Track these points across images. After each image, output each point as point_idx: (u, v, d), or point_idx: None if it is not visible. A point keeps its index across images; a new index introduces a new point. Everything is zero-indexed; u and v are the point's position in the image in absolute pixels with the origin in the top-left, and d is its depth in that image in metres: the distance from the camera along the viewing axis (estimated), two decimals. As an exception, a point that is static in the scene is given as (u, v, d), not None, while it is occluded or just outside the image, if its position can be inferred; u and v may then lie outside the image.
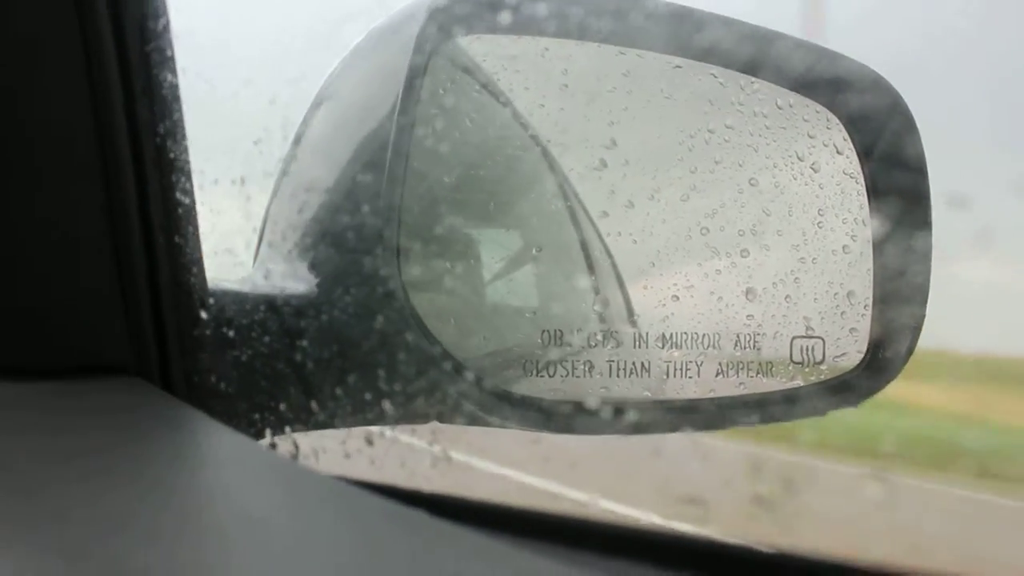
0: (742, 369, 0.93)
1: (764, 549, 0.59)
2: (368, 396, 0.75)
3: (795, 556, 0.60)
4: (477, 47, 0.91)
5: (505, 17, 0.85)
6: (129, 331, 0.75)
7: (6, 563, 0.41)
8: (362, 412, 0.76)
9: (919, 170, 0.96)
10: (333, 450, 0.76)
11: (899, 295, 0.96)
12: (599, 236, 1.07)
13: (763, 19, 0.92)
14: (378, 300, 0.75)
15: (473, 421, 0.83)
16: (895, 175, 0.95)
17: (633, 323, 1.01)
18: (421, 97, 0.79)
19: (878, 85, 0.96)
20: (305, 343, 0.76)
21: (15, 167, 0.71)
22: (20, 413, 0.67)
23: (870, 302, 0.96)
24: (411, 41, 0.79)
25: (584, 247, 1.11)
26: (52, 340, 0.74)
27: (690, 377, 0.91)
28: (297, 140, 0.84)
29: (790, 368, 0.94)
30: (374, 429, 0.75)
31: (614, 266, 1.09)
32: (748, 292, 0.93)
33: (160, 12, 0.74)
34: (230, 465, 0.62)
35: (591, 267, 1.10)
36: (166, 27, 0.74)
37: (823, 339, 0.95)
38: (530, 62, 0.92)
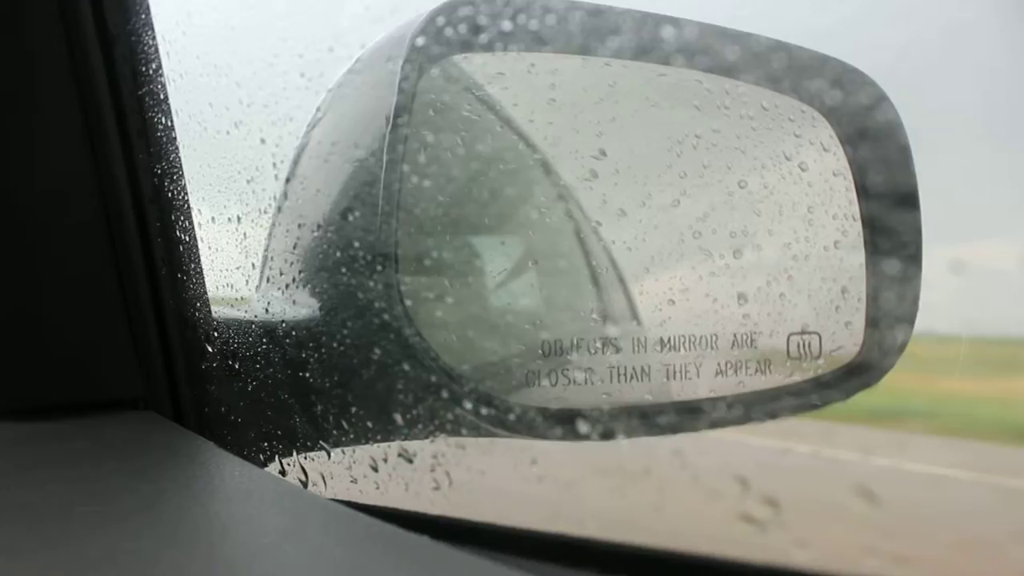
0: (741, 368, 0.94)
1: (762, 564, 0.61)
2: (370, 423, 0.77)
3: (791, 572, 0.61)
4: (464, 66, 0.92)
5: (490, 36, 0.86)
6: (139, 366, 0.77)
7: None
8: (365, 437, 0.78)
9: (906, 162, 0.97)
10: (340, 475, 0.78)
11: (892, 287, 0.97)
12: (600, 241, 1.08)
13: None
14: (376, 329, 0.77)
15: (477, 432, 0.85)
16: (882, 169, 0.96)
17: (638, 324, 1.02)
18: (409, 129, 0.80)
19: (862, 82, 0.97)
20: (308, 373, 0.78)
21: (19, 215, 0.73)
22: (37, 453, 0.69)
23: (864, 295, 0.97)
24: (393, 73, 0.80)
25: (586, 254, 1.12)
26: (65, 378, 0.76)
27: (690, 379, 0.92)
28: (288, 178, 0.86)
29: (788, 364, 0.95)
30: (378, 454, 0.77)
31: (617, 270, 1.10)
32: (742, 292, 0.94)
33: (152, 56, 0.76)
34: (241, 498, 0.64)
35: (593, 273, 1.12)
36: (158, 70, 0.76)
37: (819, 334, 0.96)
38: (517, 78, 0.93)
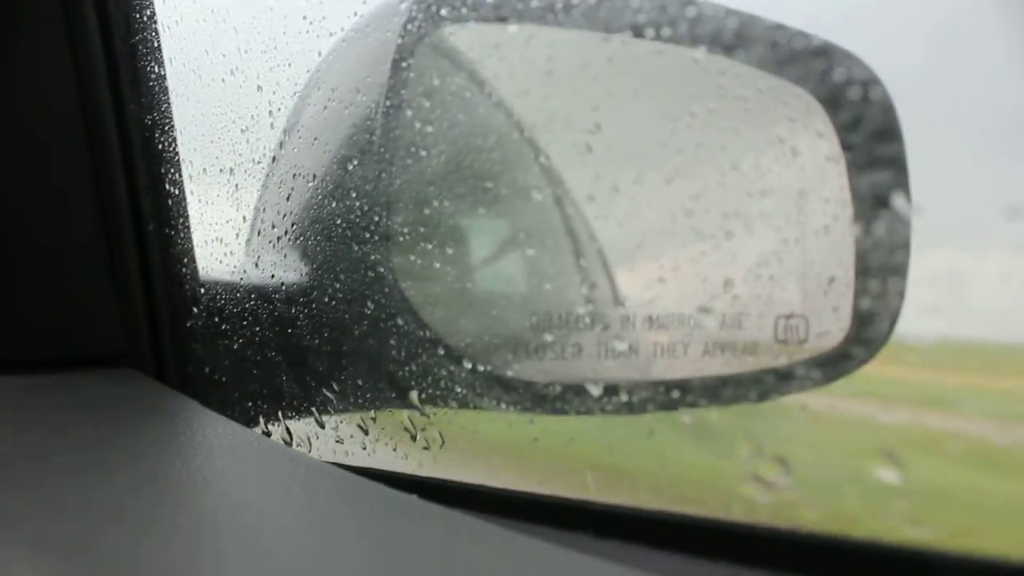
0: (727, 349, 0.94)
1: (754, 526, 0.61)
2: (360, 382, 0.76)
3: (786, 533, 0.61)
4: (462, 36, 0.92)
5: (489, 5, 0.85)
6: (123, 322, 0.75)
7: (2, 558, 0.41)
8: (354, 397, 0.77)
9: (899, 150, 0.97)
10: (327, 436, 0.77)
11: (880, 274, 0.97)
12: (585, 221, 1.08)
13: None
14: (368, 286, 0.76)
15: (464, 404, 0.84)
16: (875, 156, 0.97)
17: (621, 305, 1.02)
18: (408, 82, 0.79)
19: (859, 69, 0.97)
20: (296, 331, 0.77)
21: (2, 166, 0.71)
22: (16, 406, 0.68)
23: (852, 281, 0.97)
24: (398, 27, 0.79)
25: (571, 232, 1.12)
26: (47, 332, 0.74)
27: (677, 357, 0.92)
28: (287, 129, 0.85)
29: (774, 347, 0.95)
30: (367, 416, 0.76)
31: (600, 251, 1.09)
32: (732, 273, 0.94)
33: (145, 3, 0.74)
34: (224, 453, 0.63)
35: (578, 251, 1.11)
36: (152, 17, 0.74)
37: (806, 318, 0.96)
38: (515, 50, 0.93)
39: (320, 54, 0.84)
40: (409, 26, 0.81)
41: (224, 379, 0.77)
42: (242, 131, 0.75)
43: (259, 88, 0.74)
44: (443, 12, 0.85)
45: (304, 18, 0.75)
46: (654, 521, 0.63)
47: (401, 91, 0.78)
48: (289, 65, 0.77)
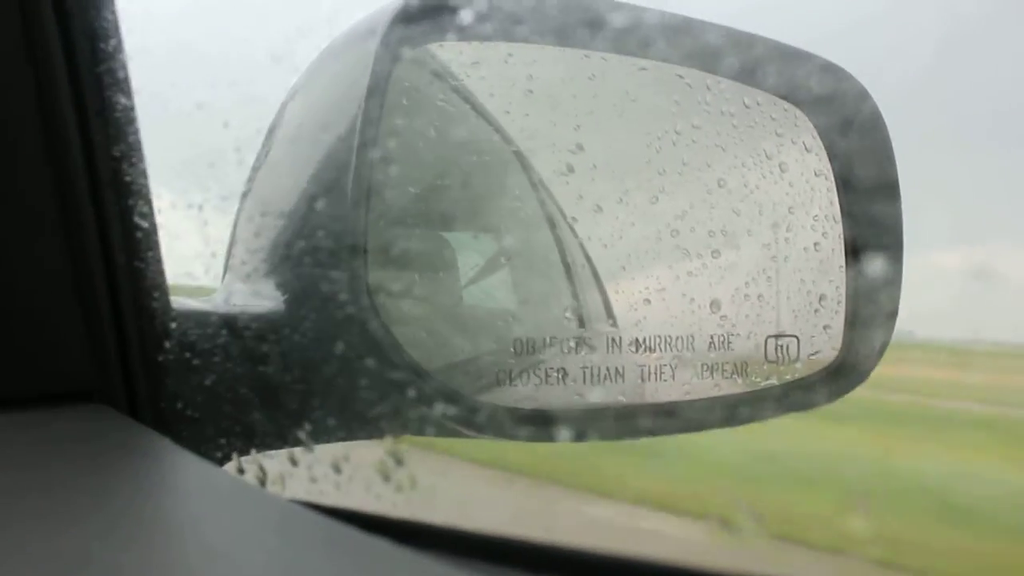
0: (717, 370, 0.92)
1: (727, 574, 0.59)
2: (334, 416, 0.74)
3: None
4: (440, 55, 0.90)
5: (466, 24, 0.84)
6: (93, 357, 0.74)
7: None
8: (329, 432, 0.76)
9: (888, 163, 0.95)
10: (300, 474, 0.76)
11: (872, 290, 0.95)
12: (576, 238, 1.06)
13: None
14: (340, 322, 0.74)
15: (443, 433, 0.83)
16: (864, 170, 0.95)
17: (613, 324, 1.00)
18: (381, 114, 0.77)
19: (846, 81, 0.95)
20: (268, 367, 0.75)
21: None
22: (-18, 446, 0.66)
23: (843, 298, 0.96)
24: (367, 58, 0.78)
25: (560, 250, 1.10)
26: (14, 368, 0.73)
27: (665, 380, 0.91)
28: (256, 164, 0.83)
29: (765, 367, 0.94)
30: (340, 454, 0.74)
31: (592, 267, 1.08)
32: (720, 293, 0.93)
33: (112, 32, 0.73)
34: (196, 495, 0.62)
35: (568, 270, 1.10)
36: (118, 47, 0.73)
37: (797, 337, 0.95)
38: (494, 68, 0.91)
39: (289, 91, 0.83)
40: (381, 50, 0.79)
41: (197, 415, 0.76)
42: (209, 166, 0.74)
43: (226, 124, 0.73)
44: (417, 33, 0.83)
45: (271, 55, 0.74)
46: (626, 565, 0.62)
47: (374, 126, 0.76)
48: (257, 101, 0.75)
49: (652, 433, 0.90)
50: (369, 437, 0.80)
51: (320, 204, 0.76)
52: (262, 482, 0.78)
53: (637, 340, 0.91)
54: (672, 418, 0.91)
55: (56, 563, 0.46)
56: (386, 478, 0.70)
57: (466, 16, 0.85)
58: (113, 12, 0.73)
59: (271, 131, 0.85)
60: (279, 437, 0.77)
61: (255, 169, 0.83)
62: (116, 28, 0.73)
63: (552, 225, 1.07)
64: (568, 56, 0.90)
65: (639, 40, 0.88)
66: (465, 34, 0.86)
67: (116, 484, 0.61)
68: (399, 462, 0.72)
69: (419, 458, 0.75)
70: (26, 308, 0.73)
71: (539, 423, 0.86)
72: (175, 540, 0.53)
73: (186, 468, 0.66)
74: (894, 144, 0.95)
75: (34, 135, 0.71)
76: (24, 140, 0.71)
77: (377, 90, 0.79)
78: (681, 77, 0.93)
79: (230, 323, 0.77)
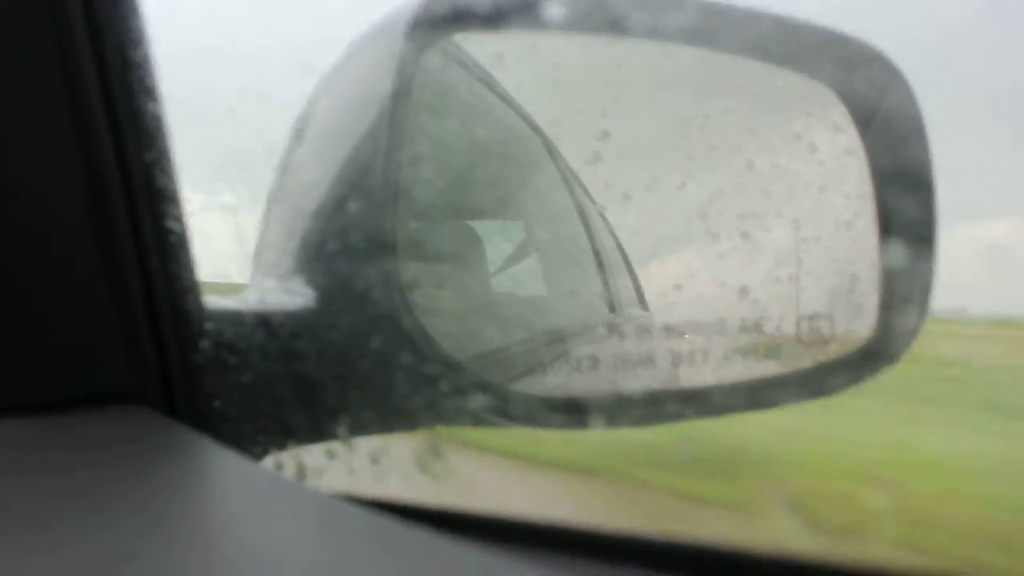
0: (750, 353, 0.92)
1: (761, 551, 0.59)
2: (370, 410, 0.75)
3: (788, 558, 0.60)
4: (465, 46, 0.90)
5: (490, 15, 0.84)
6: (131, 359, 0.75)
7: None
8: (365, 425, 0.77)
9: (921, 140, 0.94)
10: (338, 468, 0.77)
11: (907, 268, 0.94)
12: (606, 224, 1.06)
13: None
14: (373, 318, 0.75)
15: (478, 423, 0.84)
16: (896, 147, 0.94)
17: (645, 310, 1.00)
18: (408, 108, 0.78)
19: (876, 60, 0.94)
20: (303, 364, 0.76)
21: (3, 206, 0.71)
22: (22, 449, 0.68)
23: (877, 277, 0.95)
24: (392, 51, 0.78)
25: (590, 237, 1.10)
26: (54, 372, 0.74)
27: (698, 365, 0.90)
28: (283, 163, 0.84)
29: (798, 349, 0.93)
30: (378, 446, 0.75)
31: (623, 254, 1.08)
32: (751, 276, 0.92)
33: (141, 41, 0.74)
34: (237, 492, 0.63)
35: (598, 257, 1.10)
36: (147, 56, 0.74)
37: (830, 317, 0.94)
38: (519, 58, 0.91)
39: (314, 92, 0.83)
40: (407, 42, 0.79)
41: (235, 413, 0.77)
42: (241, 169, 0.75)
43: (256, 126, 0.73)
44: (442, 24, 0.83)
45: (299, 60, 0.74)
46: (662, 546, 0.62)
47: (398, 130, 0.77)
48: (285, 104, 0.76)
49: (684, 418, 0.90)
50: (405, 429, 0.81)
51: (349, 202, 0.77)
52: (300, 477, 0.79)
53: (668, 325, 0.91)
54: (705, 403, 0.91)
55: (101, 563, 0.47)
56: (424, 469, 0.71)
57: (490, 6, 0.85)
58: (142, 22, 0.74)
59: (298, 129, 0.86)
60: (316, 432, 0.78)
61: (282, 169, 0.84)
62: (145, 37, 0.74)
63: (582, 213, 1.07)
64: (593, 44, 0.90)
65: (665, 26, 0.87)
66: (489, 24, 0.86)
67: (158, 483, 0.62)
68: (437, 454, 0.73)
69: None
70: (64, 312, 0.75)
71: (572, 411, 0.86)
72: (217, 537, 0.54)
73: (226, 465, 0.67)
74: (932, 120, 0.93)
75: (68, 144, 0.73)
76: (58, 149, 0.73)
77: (404, 84, 0.79)
78: (708, 61, 0.92)
79: (264, 322, 0.78)
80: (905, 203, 0.94)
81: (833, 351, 0.94)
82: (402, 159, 0.78)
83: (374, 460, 0.74)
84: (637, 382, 0.89)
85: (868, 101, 0.94)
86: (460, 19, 0.86)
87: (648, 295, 0.94)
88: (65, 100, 0.72)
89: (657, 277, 0.92)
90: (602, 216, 1.01)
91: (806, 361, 0.93)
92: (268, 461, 0.78)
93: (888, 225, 0.95)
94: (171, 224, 0.75)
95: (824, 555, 0.59)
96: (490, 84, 0.95)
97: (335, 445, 0.78)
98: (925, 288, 0.95)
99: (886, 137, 0.94)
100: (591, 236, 1.09)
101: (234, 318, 0.79)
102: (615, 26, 0.88)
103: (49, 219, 0.72)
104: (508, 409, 0.84)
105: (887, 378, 0.95)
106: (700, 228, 0.91)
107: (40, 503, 0.56)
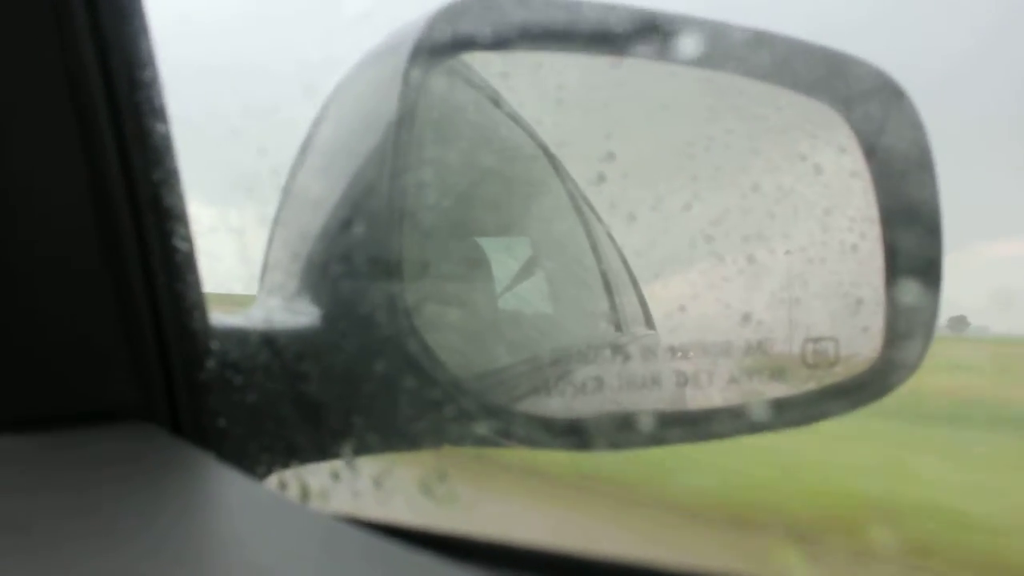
0: (755, 375, 0.92)
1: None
2: (374, 431, 0.75)
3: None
4: (469, 67, 0.90)
5: (495, 36, 0.84)
6: (137, 376, 0.75)
7: None
8: (370, 446, 0.76)
9: (926, 162, 0.94)
10: (342, 489, 0.77)
11: (912, 291, 0.94)
12: (613, 244, 1.06)
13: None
14: (379, 341, 0.75)
15: (482, 443, 0.83)
16: (902, 170, 0.94)
17: (651, 330, 1.00)
18: (414, 128, 0.78)
19: (882, 82, 0.94)
20: (309, 385, 0.76)
21: (12, 223, 0.71)
22: (26, 466, 0.68)
23: (882, 300, 0.95)
24: (398, 70, 0.78)
25: (597, 257, 1.10)
26: (60, 388, 0.74)
27: (703, 387, 0.90)
28: (287, 187, 0.84)
29: (804, 371, 0.93)
30: (382, 468, 0.75)
31: (630, 273, 1.08)
32: (756, 298, 0.92)
33: (148, 61, 0.74)
34: (240, 512, 0.63)
35: (605, 277, 1.09)
36: (154, 75, 0.74)
37: (836, 340, 0.94)
38: (524, 78, 0.91)
39: (320, 113, 0.83)
40: (412, 60, 0.80)
41: (239, 432, 0.77)
42: (247, 190, 0.75)
43: (261, 148, 0.74)
44: (447, 44, 0.84)
45: (303, 82, 0.74)
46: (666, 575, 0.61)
47: (403, 152, 0.77)
48: (290, 125, 0.76)
49: (690, 440, 0.90)
50: (410, 449, 0.81)
51: (354, 221, 0.77)
52: (304, 498, 0.79)
53: (673, 347, 0.91)
54: (710, 424, 0.91)
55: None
56: (428, 488, 0.71)
57: (495, 26, 0.85)
58: (149, 41, 0.74)
59: (303, 149, 0.86)
60: (320, 452, 0.78)
61: (288, 189, 0.84)
62: (152, 57, 0.75)
63: (588, 232, 1.07)
64: (598, 64, 0.90)
65: (669, 46, 0.88)
66: (494, 45, 0.86)
67: (162, 501, 0.62)
68: (442, 479, 0.73)
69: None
70: (70, 329, 0.75)
71: (575, 433, 0.86)
72: (220, 557, 0.53)
73: (230, 484, 0.67)
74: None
75: (75, 162, 0.73)
76: (65, 167, 0.73)
77: (409, 103, 0.80)
78: (712, 82, 0.93)
79: (270, 341, 0.78)
80: (911, 227, 0.94)
81: (839, 373, 0.94)
82: (407, 180, 0.78)
83: (377, 482, 0.74)
84: (642, 403, 0.89)
85: (873, 123, 0.94)
86: (465, 39, 0.86)
87: (654, 316, 0.94)
88: (73, 120, 0.72)
89: (662, 298, 0.92)
90: (609, 236, 1.01)
91: (811, 384, 0.93)
92: (272, 480, 0.78)
93: (894, 248, 0.95)
94: (178, 243, 0.75)
95: None
96: (497, 102, 0.96)
97: (339, 465, 0.78)
98: (930, 313, 0.95)
99: (891, 159, 0.94)
100: (598, 256, 1.09)
101: (240, 337, 0.79)
102: (619, 47, 0.88)
103: (56, 237, 0.73)
104: (512, 430, 0.83)
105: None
106: (705, 249, 0.91)
107: (43, 520, 0.56)
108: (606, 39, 0.86)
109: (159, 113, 0.74)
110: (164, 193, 0.74)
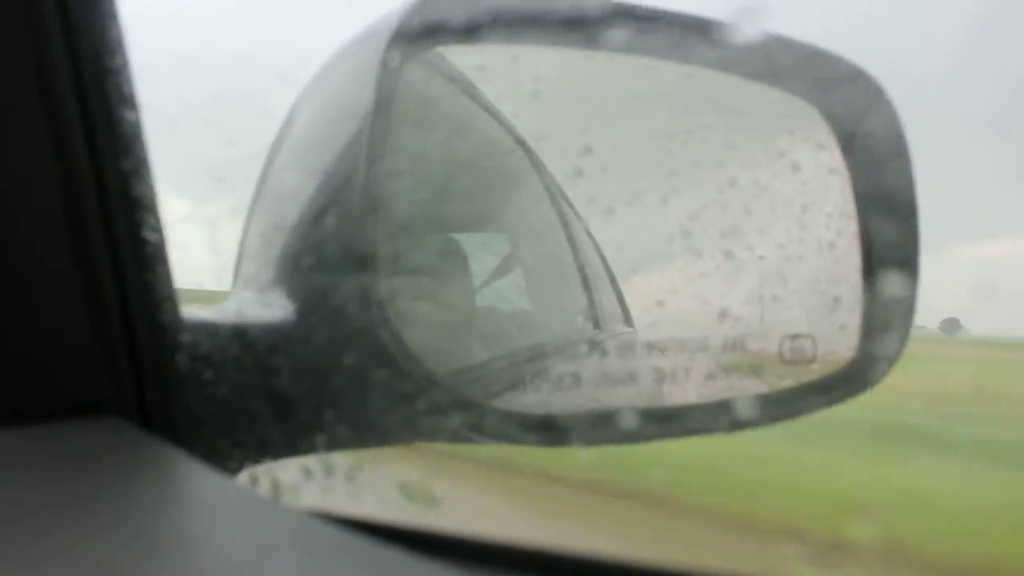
0: (732, 371, 0.92)
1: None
2: (347, 425, 0.74)
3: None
4: (446, 59, 0.90)
5: (471, 28, 0.83)
6: (105, 369, 0.74)
7: None
8: (342, 441, 0.75)
9: (904, 159, 0.94)
10: (313, 484, 0.76)
11: (889, 288, 0.94)
12: (590, 239, 1.06)
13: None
14: (351, 333, 0.74)
15: (456, 439, 0.83)
16: (880, 167, 0.94)
17: (629, 326, 1.00)
18: (390, 119, 0.77)
19: (860, 79, 0.94)
20: (281, 379, 0.75)
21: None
22: (-4, 461, 0.66)
23: (859, 297, 0.95)
24: (374, 63, 0.77)
25: (574, 252, 1.10)
26: (27, 382, 0.73)
27: (680, 383, 0.90)
28: (262, 177, 0.83)
29: (780, 368, 0.93)
30: (354, 463, 0.74)
31: (607, 269, 1.07)
32: (734, 294, 0.92)
33: (118, 48, 0.73)
34: (210, 506, 0.62)
35: (583, 272, 1.09)
36: (124, 63, 0.73)
37: (813, 337, 0.94)
38: (500, 71, 0.90)
39: (294, 103, 0.83)
40: (388, 54, 0.79)
41: (210, 426, 0.76)
42: (219, 179, 0.73)
43: (233, 136, 0.73)
44: (423, 36, 0.83)
45: (277, 70, 0.73)
46: (639, 572, 0.61)
47: (383, 125, 0.76)
48: (263, 114, 0.75)
49: (666, 437, 0.89)
50: (382, 445, 0.80)
51: (328, 214, 0.76)
52: (275, 493, 0.78)
53: (651, 342, 0.90)
54: (686, 421, 0.91)
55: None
56: (401, 486, 0.70)
57: (471, 19, 0.84)
58: (119, 28, 0.73)
59: (278, 141, 0.85)
60: (292, 447, 0.77)
61: (262, 180, 0.83)
62: (122, 44, 0.73)
63: (566, 227, 1.06)
64: (574, 57, 0.89)
65: (645, 39, 0.87)
66: (470, 37, 0.86)
67: (130, 496, 0.61)
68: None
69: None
70: (37, 322, 0.73)
71: (551, 429, 0.85)
72: (189, 552, 0.53)
73: (199, 479, 0.66)
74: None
75: (43, 151, 0.72)
76: (33, 156, 0.72)
77: (385, 95, 0.79)
78: (690, 76, 0.92)
79: (241, 334, 0.77)
80: (888, 224, 0.94)
81: (816, 371, 0.94)
82: (382, 171, 0.77)
83: (349, 477, 0.73)
84: (619, 400, 0.88)
85: (852, 120, 0.94)
86: (441, 31, 0.85)
87: (631, 311, 0.93)
88: (40, 107, 0.71)
89: (640, 293, 0.92)
90: (587, 231, 1.00)
91: (788, 380, 0.93)
92: (243, 476, 0.77)
93: (871, 246, 0.95)
94: (148, 234, 0.74)
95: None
96: (473, 96, 0.95)
97: (311, 461, 0.77)
98: (907, 311, 0.95)
99: (869, 157, 0.94)
100: (575, 251, 1.09)
101: (211, 330, 0.78)
102: (595, 40, 0.88)
103: (23, 227, 0.71)
104: (486, 426, 0.83)
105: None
106: (683, 245, 0.91)
107: (8, 515, 0.55)
108: (580, 24, 0.86)
109: (129, 101, 0.73)
110: (134, 183, 0.73)
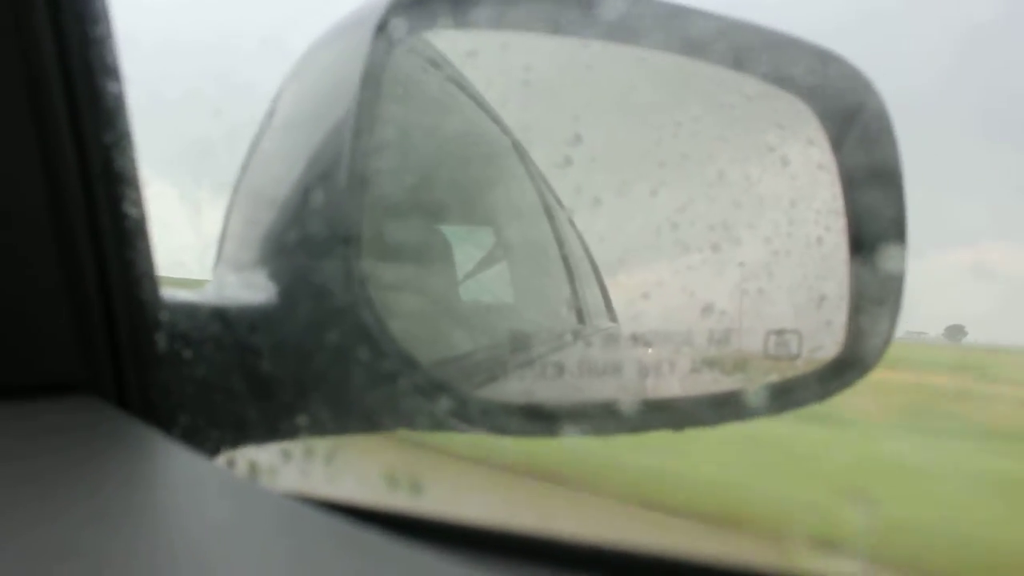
0: (716, 365, 0.91)
1: (718, 563, 0.59)
2: (327, 409, 0.73)
3: (759, 572, 0.59)
4: (436, 43, 0.89)
5: (463, 12, 0.82)
6: (82, 347, 0.73)
7: None
8: (322, 425, 0.74)
9: (894, 158, 0.94)
10: (292, 467, 0.75)
11: (876, 285, 0.94)
12: (575, 231, 1.05)
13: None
14: (333, 313, 0.73)
15: (437, 426, 0.82)
16: (869, 164, 0.94)
17: (612, 318, 0.99)
18: (376, 103, 0.76)
19: (852, 75, 0.94)
20: (260, 359, 0.74)
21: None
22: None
23: (846, 294, 0.95)
24: (362, 46, 0.76)
25: (559, 243, 1.09)
26: (2, 359, 0.72)
27: (664, 375, 0.89)
28: (250, 152, 0.82)
29: (765, 363, 0.92)
30: (333, 446, 0.73)
31: (592, 261, 1.07)
32: (720, 287, 0.91)
33: (101, 17, 0.72)
34: (185, 487, 0.61)
35: (567, 263, 1.09)
36: (107, 32, 0.72)
37: (799, 332, 0.94)
38: (490, 57, 0.90)
39: (282, 79, 0.82)
40: (376, 38, 0.78)
41: (187, 407, 0.75)
42: (202, 155, 0.72)
43: (218, 111, 0.71)
44: (413, 20, 0.82)
45: (263, 43, 0.72)
46: (616, 555, 0.61)
47: (370, 109, 0.75)
48: (249, 90, 0.74)
49: (648, 429, 0.89)
50: (363, 431, 0.79)
51: (313, 194, 0.75)
52: (253, 475, 0.77)
53: (635, 335, 0.90)
54: (669, 414, 0.90)
55: (42, 554, 0.45)
56: (380, 471, 0.69)
57: (462, 3, 0.84)
58: (102, -4, 0.72)
59: (265, 121, 0.84)
60: (271, 430, 0.76)
61: (248, 159, 0.82)
62: (105, 13, 0.72)
63: (551, 218, 1.06)
64: (565, 45, 0.89)
65: (638, 29, 0.87)
66: (461, 22, 0.85)
67: (104, 475, 0.60)
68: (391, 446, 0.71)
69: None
70: (13, 297, 0.72)
71: (533, 417, 0.84)
72: (163, 532, 0.52)
73: (175, 460, 0.65)
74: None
75: (23, 122, 0.70)
76: (12, 127, 0.70)
77: (372, 79, 0.78)
78: (681, 67, 0.92)
79: (221, 314, 0.76)
80: (876, 222, 0.94)
81: (800, 367, 0.93)
82: (369, 153, 0.76)
83: (328, 461, 0.72)
84: (603, 391, 0.88)
85: (842, 116, 0.94)
86: (431, 16, 0.85)
87: (616, 303, 0.93)
88: (21, 77, 0.69)
89: (626, 285, 0.91)
90: (571, 222, 1.00)
91: (773, 376, 0.93)
92: (221, 458, 0.75)
93: (859, 243, 0.95)
94: (129, 208, 0.72)
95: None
96: (461, 83, 0.94)
97: (291, 446, 0.76)
98: (893, 310, 0.94)
99: (859, 154, 0.94)
100: (560, 242, 1.08)
101: (190, 309, 0.76)
102: (587, 28, 0.87)
103: (1, 199, 0.70)
104: (467, 413, 0.82)
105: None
106: (670, 237, 0.91)
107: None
108: (575, 20, 0.85)
109: (112, 72, 0.71)
110: (115, 156, 0.72)
